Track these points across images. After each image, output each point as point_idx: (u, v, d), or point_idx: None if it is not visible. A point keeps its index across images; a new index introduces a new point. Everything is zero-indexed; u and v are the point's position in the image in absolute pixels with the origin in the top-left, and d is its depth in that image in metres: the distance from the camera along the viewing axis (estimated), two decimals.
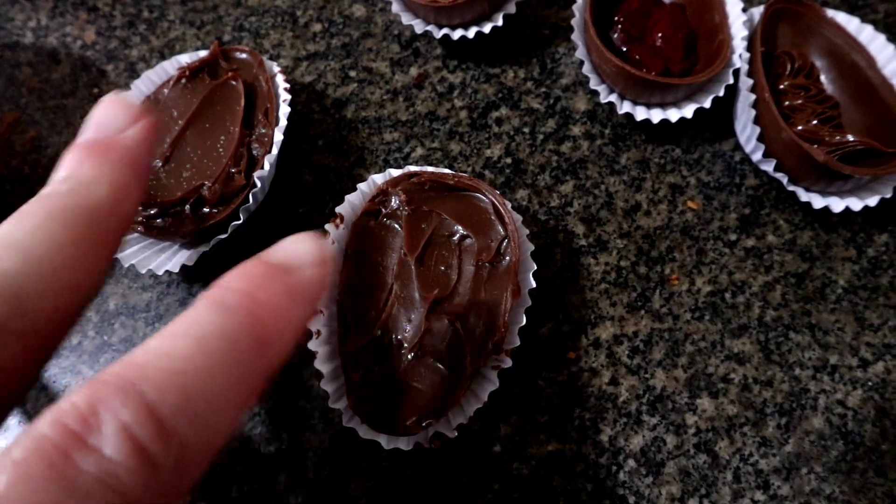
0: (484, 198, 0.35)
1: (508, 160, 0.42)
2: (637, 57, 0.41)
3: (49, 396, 0.37)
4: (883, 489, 0.35)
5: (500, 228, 0.35)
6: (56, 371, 0.38)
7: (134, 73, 0.46)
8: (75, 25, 0.48)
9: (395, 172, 0.37)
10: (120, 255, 0.37)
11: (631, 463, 0.35)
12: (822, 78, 0.42)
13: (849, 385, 0.37)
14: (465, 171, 0.42)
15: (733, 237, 0.40)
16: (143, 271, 0.37)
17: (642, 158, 0.42)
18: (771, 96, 0.38)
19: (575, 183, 0.41)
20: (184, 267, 0.37)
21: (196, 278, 0.40)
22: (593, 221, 0.40)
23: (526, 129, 0.43)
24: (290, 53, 0.46)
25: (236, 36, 0.46)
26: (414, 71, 0.45)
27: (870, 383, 0.37)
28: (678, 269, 0.39)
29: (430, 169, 0.36)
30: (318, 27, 0.46)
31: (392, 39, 0.46)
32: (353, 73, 0.45)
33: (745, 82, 0.40)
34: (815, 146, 0.39)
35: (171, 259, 0.37)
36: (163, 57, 0.46)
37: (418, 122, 0.43)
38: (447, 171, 0.37)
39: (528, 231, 0.36)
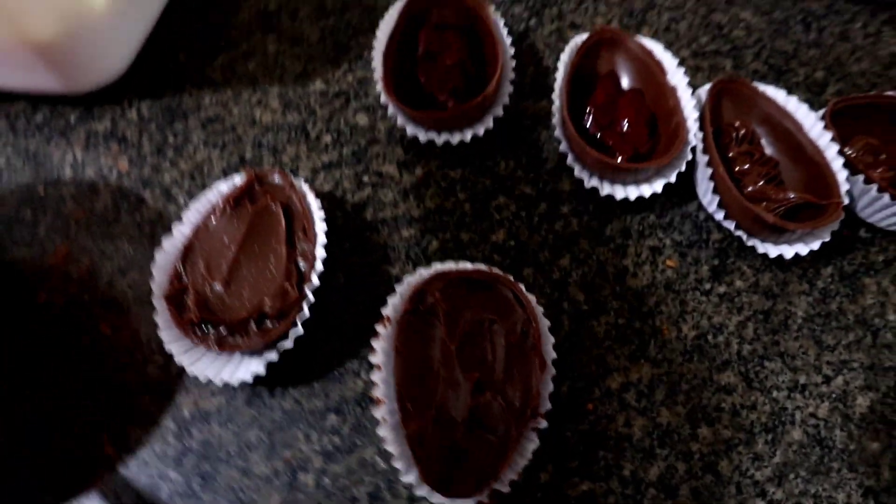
0: (504, 286, 0.42)
1: (512, 242, 0.49)
2: (610, 143, 0.49)
3: (145, 501, 0.43)
4: (856, 482, 0.43)
5: (521, 312, 0.42)
6: (145, 479, 0.43)
7: (170, 197, 0.51)
8: (108, 157, 0.53)
9: (425, 272, 0.44)
10: (190, 368, 0.43)
11: (652, 491, 0.43)
12: (764, 142, 0.51)
13: (817, 399, 0.45)
14: (475, 257, 0.49)
15: (708, 286, 0.48)
16: (219, 383, 0.42)
17: (624, 227, 0.50)
18: (724, 170, 0.46)
19: (570, 256, 0.49)
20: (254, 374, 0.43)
21: (261, 383, 0.46)
22: (591, 288, 0.48)
23: (523, 213, 0.50)
24: (307, 165, 0.52)
25: (256, 153, 0.53)
26: (419, 170, 0.52)
27: (833, 395, 0.45)
28: (666, 320, 0.47)
29: (453, 266, 0.43)
30: (328, 138, 0.53)
31: (396, 143, 0.53)
32: (366, 178, 0.51)
33: (702, 158, 0.48)
34: (764, 204, 0.48)
35: (239, 368, 0.43)
36: (193, 179, 0.52)
37: (430, 217, 0.50)
38: (469, 265, 0.43)
39: (542, 309, 0.43)
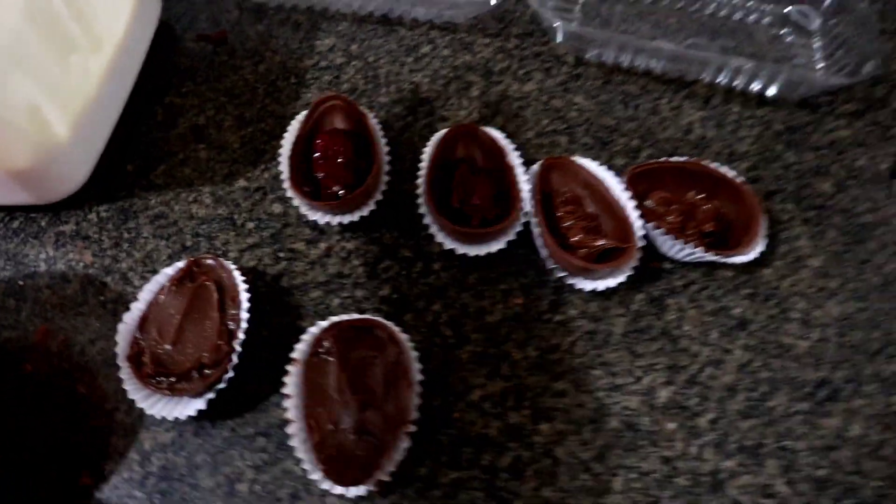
0: (381, 329, 0.57)
1: (395, 295, 0.64)
2: (467, 212, 0.64)
3: None
4: (657, 454, 0.57)
5: (394, 347, 0.56)
6: (116, 500, 0.56)
7: (127, 280, 0.65)
8: (75, 252, 0.67)
9: (323, 323, 0.58)
10: (149, 410, 0.56)
11: (504, 475, 0.57)
12: (587, 202, 0.66)
13: (629, 395, 0.60)
14: (368, 309, 0.63)
15: (547, 316, 0.63)
16: (171, 418, 0.56)
17: (482, 277, 0.65)
18: (546, 228, 0.62)
19: (441, 302, 0.63)
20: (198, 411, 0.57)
21: (203, 417, 0.59)
22: (456, 325, 0.62)
23: (403, 272, 0.65)
24: (235, 247, 0.66)
25: (194, 241, 0.67)
26: (323, 245, 0.66)
27: (641, 391, 0.60)
28: (514, 345, 0.62)
29: (346, 317, 0.58)
30: (251, 225, 0.68)
31: (303, 225, 0.67)
32: (281, 255, 0.66)
33: (533, 220, 0.63)
34: (584, 250, 0.63)
35: (186, 407, 0.57)
36: (144, 265, 0.66)
37: (332, 281, 0.64)
38: (357, 316, 0.58)
39: (413, 344, 0.58)
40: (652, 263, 0.65)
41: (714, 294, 0.64)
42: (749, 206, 0.64)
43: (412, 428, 0.54)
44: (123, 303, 0.64)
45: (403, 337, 0.57)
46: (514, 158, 0.66)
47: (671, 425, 0.58)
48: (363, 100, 0.74)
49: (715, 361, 0.61)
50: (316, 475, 0.53)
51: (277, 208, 0.68)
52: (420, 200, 0.64)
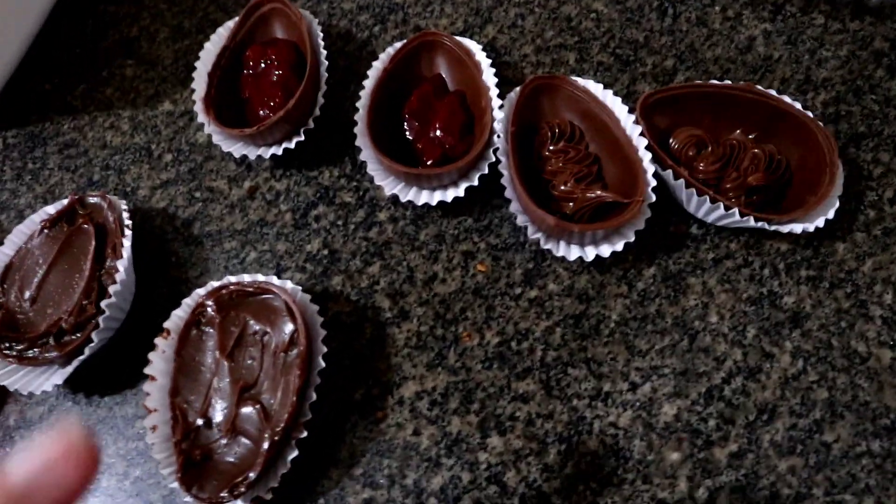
0: (277, 298, 0.43)
1: (325, 252, 0.49)
2: (420, 146, 0.49)
3: None
4: (648, 494, 0.41)
5: (291, 323, 0.42)
6: None
7: (22, 220, 0.54)
8: None
9: (216, 284, 0.45)
10: (5, 382, 0.45)
11: (433, 501, 0.42)
12: (588, 138, 0.49)
13: (620, 407, 0.43)
14: (289, 267, 0.49)
15: (518, 290, 0.47)
16: (26, 393, 0.45)
17: (439, 233, 0.49)
18: (517, 172, 0.45)
19: (381, 263, 0.49)
20: (67, 381, 0.45)
21: (79, 389, 0.48)
22: (397, 295, 0.48)
23: (340, 222, 0.50)
24: (147, 184, 0.54)
25: (104, 175, 0.55)
26: (247, 184, 0.53)
27: (638, 403, 0.43)
28: (470, 326, 0.46)
29: (234, 279, 0.44)
30: (169, 157, 0.55)
31: (229, 158, 0.54)
32: (198, 194, 0.53)
33: (504, 159, 0.47)
34: (571, 204, 0.46)
35: (50, 379, 0.45)
36: (45, 202, 0.55)
37: (251, 230, 0.51)
38: (250, 278, 0.44)
39: (322, 319, 0.44)
40: (673, 227, 0.48)
41: (758, 274, 0.45)
42: (820, 153, 0.45)
43: (303, 433, 0.41)
44: None
45: (313, 308, 0.43)
46: (490, 78, 0.49)
47: (675, 455, 0.42)
48: (324, 5, 0.59)
49: (749, 370, 0.43)
50: (174, 482, 0.41)
51: (202, 137, 0.55)
52: (356, 129, 0.49)
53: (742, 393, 0.43)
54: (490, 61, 0.50)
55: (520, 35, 0.56)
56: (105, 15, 0.63)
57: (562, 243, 0.46)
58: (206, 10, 0.61)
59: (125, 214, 0.48)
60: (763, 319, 0.44)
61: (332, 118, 0.53)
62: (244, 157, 0.53)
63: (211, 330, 0.43)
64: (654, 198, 0.45)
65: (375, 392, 0.45)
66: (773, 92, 0.47)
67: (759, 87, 0.47)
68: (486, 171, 0.48)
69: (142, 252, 0.51)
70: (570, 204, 0.46)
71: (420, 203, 0.47)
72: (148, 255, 0.51)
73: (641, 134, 0.46)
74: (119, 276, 0.46)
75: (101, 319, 0.45)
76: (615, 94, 0.48)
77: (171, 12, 0.62)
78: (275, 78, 0.52)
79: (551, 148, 0.48)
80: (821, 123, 0.46)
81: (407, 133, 0.50)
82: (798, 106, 0.46)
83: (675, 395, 0.43)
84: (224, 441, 0.40)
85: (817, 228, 0.44)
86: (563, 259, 0.47)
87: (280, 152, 0.50)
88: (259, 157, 0.52)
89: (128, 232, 0.47)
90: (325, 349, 0.42)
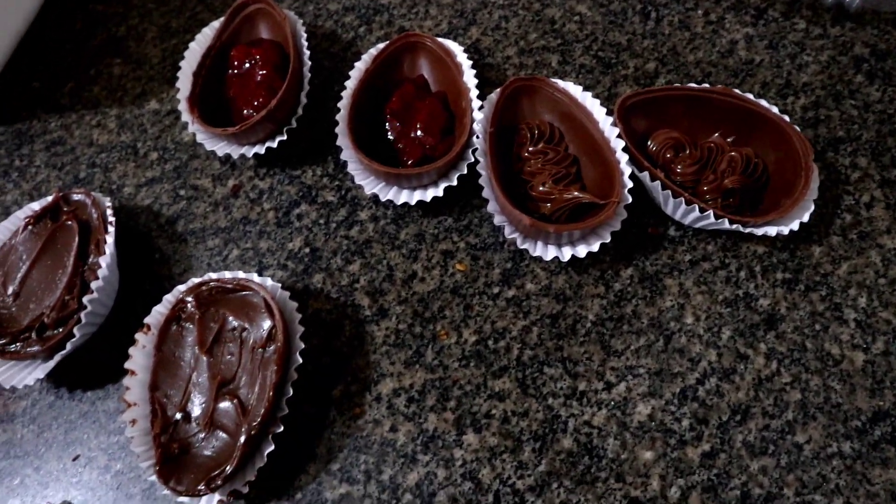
0: (256, 295, 0.43)
1: (307, 250, 0.50)
2: (401, 146, 0.49)
3: None
4: (621, 492, 0.41)
5: (269, 319, 0.42)
6: None
7: (7, 216, 0.55)
8: None
9: (196, 281, 0.45)
10: None
11: (408, 496, 0.42)
12: (568, 140, 0.49)
13: (594, 407, 0.44)
14: (271, 265, 0.50)
15: (496, 290, 0.47)
16: (8, 387, 0.45)
17: (419, 232, 0.50)
18: (495, 173, 0.45)
19: (361, 262, 0.49)
20: (49, 375, 0.46)
21: (61, 383, 0.49)
22: (376, 293, 0.48)
23: (322, 221, 0.51)
24: (132, 181, 0.55)
25: (90, 172, 0.56)
26: (231, 183, 0.53)
27: (612, 403, 0.44)
28: (448, 325, 0.47)
29: (214, 276, 0.45)
30: (154, 155, 0.55)
31: (214, 157, 0.54)
32: (182, 192, 0.53)
33: (482, 160, 0.47)
34: (549, 204, 0.46)
35: (32, 373, 0.46)
36: (32, 199, 0.55)
37: (234, 228, 0.51)
38: (230, 275, 0.45)
39: (301, 316, 0.44)
40: (651, 229, 0.48)
41: (734, 276, 0.46)
42: (796, 156, 0.45)
43: (280, 427, 0.41)
44: None
45: (292, 305, 0.43)
46: (471, 79, 0.50)
47: (648, 454, 0.42)
48: (310, 6, 0.59)
49: (724, 371, 0.43)
50: (153, 478, 0.41)
51: (187, 137, 0.56)
52: (337, 129, 0.49)
53: (716, 393, 0.43)
54: (472, 63, 0.50)
55: (503, 37, 0.56)
56: (93, 14, 0.63)
57: (539, 243, 0.46)
58: (194, 10, 0.61)
59: (109, 211, 0.49)
60: (738, 321, 0.45)
61: (315, 118, 0.54)
62: (228, 155, 0.54)
63: (191, 325, 0.43)
64: (629, 199, 0.45)
65: (354, 388, 0.46)
66: (750, 96, 0.47)
67: (737, 90, 0.47)
68: (465, 172, 0.48)
69: (126, 249, 0.51)
70: (548, 204, 0.46)
71: (399, 202, 0.48)
72: (132, 252, 0.51)
73: (619, 136, 0.46)
74: (101, 272, 0.46)
75: (83, 315, 0.45)
76: (597, 96, 0.49)
77: (158, 12, 0.62)
78: (259, 78, 0.52)
79: (531, 149, 0.48)
80: (797, 128, 0.46)
81: (389, 133, 0.50)
82: (775, 110, 0.47)
83: (650, 394, 0.44)
84: (202, 435, 0.41)
85: (794, 232, 0.44)
86: (541, 259, 0.48)
87: (263, 151, 0.50)
88: (242, 155, 0.52)
89: (111, 229, 0.48)
90: (302, 346, 0.43)
